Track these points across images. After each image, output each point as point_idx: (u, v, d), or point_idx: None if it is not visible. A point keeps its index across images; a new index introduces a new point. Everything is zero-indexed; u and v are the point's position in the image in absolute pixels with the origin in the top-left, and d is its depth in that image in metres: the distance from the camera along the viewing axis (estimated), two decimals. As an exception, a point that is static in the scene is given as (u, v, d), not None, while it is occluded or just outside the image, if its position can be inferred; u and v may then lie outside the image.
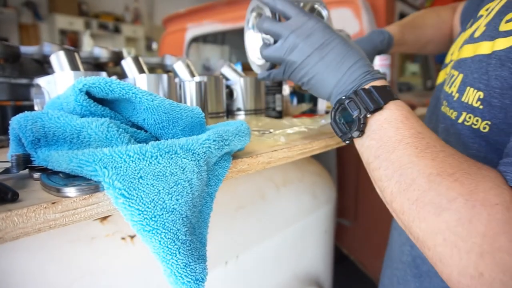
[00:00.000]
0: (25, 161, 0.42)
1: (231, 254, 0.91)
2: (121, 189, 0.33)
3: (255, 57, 0.73)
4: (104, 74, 0.70)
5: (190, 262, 0.37)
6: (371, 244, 2.05)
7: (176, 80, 0.95)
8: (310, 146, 0.66)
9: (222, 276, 0.89)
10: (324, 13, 0.68)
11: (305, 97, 1.48)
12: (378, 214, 1.95)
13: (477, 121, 0.53)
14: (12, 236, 0.29)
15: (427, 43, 1.08)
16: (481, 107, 0.52)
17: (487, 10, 0.61)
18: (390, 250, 0.94)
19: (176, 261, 0.36)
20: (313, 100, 1.41)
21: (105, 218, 0.72)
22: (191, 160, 0.39)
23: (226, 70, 1.12)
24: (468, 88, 0.55)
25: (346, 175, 2.03)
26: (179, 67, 0.99)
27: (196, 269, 0.38)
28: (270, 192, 1.09)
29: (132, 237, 0.73)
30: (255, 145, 0.63)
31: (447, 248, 0.39)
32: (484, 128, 0.52)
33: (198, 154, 0.41)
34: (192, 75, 0.98)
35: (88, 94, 0.44)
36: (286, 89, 1.29)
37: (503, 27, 0.51)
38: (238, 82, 1.06)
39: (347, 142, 0.55)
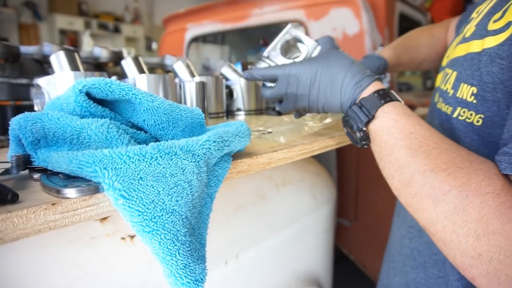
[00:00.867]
0: (25, 162, 0.42)
1: (231, 254, 0.91)
2: (121, 190, 0.33)
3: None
4: (105, 74, 0.70)
5: (189, 263, 0.37)
6: (371, 244, 2.06)
7: (176, 80, 0.95)
8: (310, 147, 0.66)
9: (222, 276, 0.89)
10: (302, 39, 0.73)
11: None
12: (378, 214, 1.95)
13: (471, 115, 0.57)
14: (12, 237, 0.29)
15: (422, 62, 1.10)
16: (474, 101, 0.56)
17: (477, 12, 0.65)
18: (390, 244, 0.96)
19: (176, 262, 0.36)
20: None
21: (105, 218, 0.72)
22: (191, 161, 0.39)
23: (226, 70, 1.12)
24: (462, 84, 0.59)
25: (346, 175, 2.03)
26: (179, 67, 0.99)
27: (196, 270, 0.38)
28: (270, 192, 1.09)
29: (132, 237, 0.73)
30: (255, 145, 0.63)
31: (447, 234, 0.44)
32: (478, 121, 0.56)
33: (198, 155, 0.41)
34: (192, 75, 0.98)
35: (88, 95, 0.44)
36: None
37: (491, 26, 0.55)
38: (238, 82, 1.06)
39: (365, 147, 0.61)
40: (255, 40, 2.84)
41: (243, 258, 0.95)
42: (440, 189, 0.46)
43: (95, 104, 0.44)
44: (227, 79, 1.10)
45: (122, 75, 0.84)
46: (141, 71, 0.83)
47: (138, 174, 0.35)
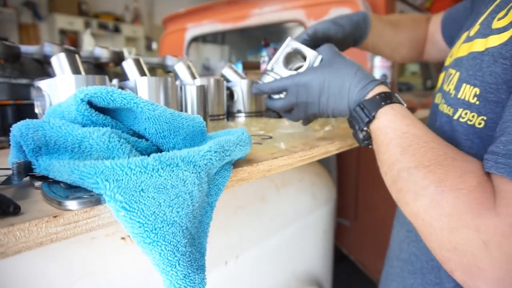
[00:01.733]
0: (26, 169, 0.42)
1: (231, 254, 0.92)
2: (122, 202, 0.33)
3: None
4: (105, 78, 0.70)
5: (189, 273, 0.38)
6: (371, 244, 2.06)
7: (177, 82, 0.95)
8: (310, 153, 0.67)
9: (222, 276, 0.90)
10: (303, 51, 0.76)
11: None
12: (378, 214, 1.95)
13: (473, 116, 0.57)
14: (14, 250, 0.30)
15: (401, 44, 1.03)
16: (477, 103, 0.55)
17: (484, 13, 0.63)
18: (390, 248, 0.95)
19: (176, 272, 0.37)
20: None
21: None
22: (192, 173, 0.40)
23: (227, 72, 1.12)
24: (464, 85, 0.59)
25: (346, 175, 2.03)
26: (180, 69, 0.99)
27: (196, 280, 0.38)
28: (270, 192, 1.09)
29: (132, 238, 0.73)
30: (255, 151, 0.63)
31: (426, 227, 0.47)
32: (480, 123, 0.56)
33: (200, 166, 0.41)
34: (193, 77, 0.98)
35: (90, 103, 0.44)
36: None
37: (495, 24, 0.55)
38: (238, 84, 1.06)
39: (369, 146, 0.65)
40: (255, 40, 2.84)
41: (243, 258, 0.95)
42: (420, 185, 0.49)
43: (97, 112, 0.44)
44: (227, 81, 1.10)
45: (122, 76, 0.84)
46: (142, 73, 0.83)
47: (139, 186, 0.35)
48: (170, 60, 1.21)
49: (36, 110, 0.71)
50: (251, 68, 1.64)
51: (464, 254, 0.42)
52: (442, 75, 0.78)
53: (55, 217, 0.32)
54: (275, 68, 0.75)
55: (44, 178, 0.42)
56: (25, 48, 0.90)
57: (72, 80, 0.66)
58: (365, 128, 0.62)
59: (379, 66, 1.72)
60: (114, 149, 0.39)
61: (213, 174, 0.47)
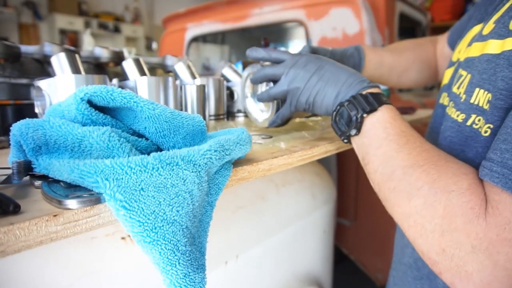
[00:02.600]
0: (26, 168, 0.42)
1: (231, 254, 0.91)
2: (122, 201, 0.33)
3: (258, 115, 0.84)
4: (105, 77, 0.70)
5: (189, 272, 0.38)
6: (371, 244, 2.06)
7: (177, 82, 0.96)
8: (310, 152, 0.66)
9: (222, 276, 0.90)
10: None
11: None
12: (378, 214, 1.95)
13: (484, 124, 0.53)
14: (14, 249, 0.30)
15: (408, 68, 1.00)
16: (489, 109, 0.52)
17: (496, 9, 0.60)
18: (394, 251, 0.94)
19: (176, 271, 0.37)
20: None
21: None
22: (192, 172, 0.40)
23: (227, 71, 1.12)
24: (478, 89, 0.55)
25: (346, 175, 2.03)
26: (180, 69, 0.99)
27: (196, 279, 0.38)
28: (270, 192, 1.09)
29: (132, 238, 0.73)
30: (255, 151, 0.63)
31: (417, 228, 0.47)
32: (486, 131, 0.53)
33: (199, 165, 0.41)
34: (193, 76, 0.98)
35: (90, 102, 0.44)
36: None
37: None
38: (238, 84, 1.06)
39: (345, 141, 0.63)
40: (255, 40, 2.84)
41: (243, 258, 0.95)
42: (414, 185, 0.48)
43: (97, 111, 0.44)
44: (228, 80, 1.10)
45: (123, 76, 0.84)
46: (142, 73, 0.83)
47: (139, 185, 0.35)
48: (170, 60, 1.21)
49: (36, 110, 0.71)
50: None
51: (452, 258, 0.43)
52: (449, 72, 0.75)
53: (55, 216, 0.32)
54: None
55: (44, 178, 0.42)
56: (25, 48, 0.90)
57: (72, 79, 0.66)
58: (364, 115, 0.58)
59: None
60: (114, 148, 0.39)
61: (213, 173, 0.47)
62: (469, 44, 0.65)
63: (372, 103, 0.58)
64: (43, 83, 0.68)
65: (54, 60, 0.74)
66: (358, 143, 0.61)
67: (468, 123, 0.57)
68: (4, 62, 0.81)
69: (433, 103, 2.26)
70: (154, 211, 0.35)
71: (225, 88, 1.00)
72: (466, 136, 0.58)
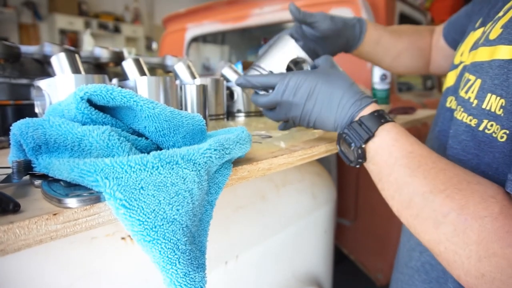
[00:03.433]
0: (26, 168, 0.42)
1: (231, 254, 0.91)
2: (122, 200, 0.33)
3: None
4: (105, 77, 0.70)
5: (189, 271, 0.38)
6: (371, 244, 2.06)
7: (177, 82, 0.96)
8: (310, 152, 0.66)
9: (222, 276, 0.90)
10: (307, 60, 0.76)
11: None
12: (378, 214, 1.95)
13: (497, 129, 0.53)
14: (13, 248, 0.30)
15: (402, 51, 1.00)
16: (502, 115, 0.52)
17: (504, 11, 0.59)
18: (399, 254, 0.94)
19: (176, 270, 0.37)
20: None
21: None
22: (192, 170, 0.40)
23: (227, 71, 1.12)
24: (490, 95, 0.54)
25: (346, 175, 2.03)
26: (180, 69, 0.99)
27: (196, 278, 0.38)
28: (270, 192, 1.09)
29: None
30: (255, 150, 0.63)
31: (449, 255, 0.46)
32: (502, 137, 0.52)
33: (199, 164, 0.41)
34: (193, 76, 0.98)
35: (89, 101, 0.44)
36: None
37: None
38: (238, 84, 1.06)
39: (357, 166, 0.61)
40: (255, 40, 2.84)
41: (243, 258, 0.95)
42: (440, 211, 0.47)
43: (96, 111, 0.44)
44: (227, 80, 1.10)
45: (122, 76, 0.84)
46: (142, 73, 0.83)
47: (139, 184, 0.35)
48: (170, 60, 1.21)
49: (36, 110, 0.71)
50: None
51: (493, 281, 0.42)
52: (453, 75, 0.75)
53: (54, 214, 0.32)
54: (264, 63, 0.73)
55: (44, 177, 0.42)
56: (25, 48, 0.90)
57: (72, 79, 0.66)
58: (363, 145, 0.57)
59: (379, 67, 1.72)
60: (114, 147, 0.39)
61: (213, 173, 0.47)
62: (474, 48, 0.64)
63: (367, 130, 0.57)
64: (43, 83, 0.68)
65: (54, 60, 0.74)
66: (369, 169, 0.60)
67: (481, 128, 0.56)
68: (4, 62, 0.81)
69: (433, 103, 2.26)
70: (154, 210, 0.35)
71: (225, 88, 1.00)
72: (479, 141, 0.57)
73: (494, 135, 0.54)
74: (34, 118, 0.43)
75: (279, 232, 1.08)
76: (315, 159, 0.69)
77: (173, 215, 0.37)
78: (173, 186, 0.37)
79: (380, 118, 0.58)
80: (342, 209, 2.07)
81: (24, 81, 0.83)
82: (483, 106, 0.55)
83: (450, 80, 0.76)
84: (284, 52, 0.74)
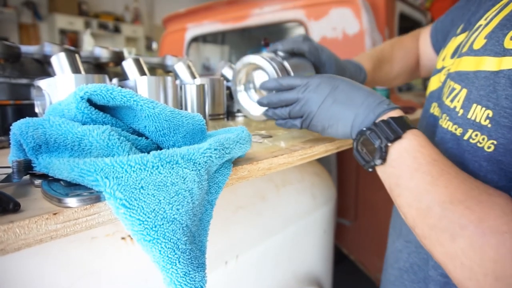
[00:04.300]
0: (26, 167, 0.42)
1: (231, 254, 0.91)
2: (122, 199, 0.33)
3: (253, 109, 0.82)
4: (105, 77, 0.70)
5: (189, 271, 0.38)
6: (371, 244, 2.06)
7: (177, 82, 0.96)
8: (310, 151, 0.66)
9: (222, 276, 0.90)
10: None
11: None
12: (378, 214, 1.95)
13: (483, 139, 0.53)
14: (13, 247, 0.30)
15: (396, 78, 1.06)
16: (489, 125, 0.52)
17: (485, 19, 0.61)
18: (386, 255, 0.95)
19: (176, 270, 0.37)
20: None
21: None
22: (192, 170, 0.40)
23: (227, 71, 1.12)
24: (475, 105, 0.55)
25: (346, 175, 2.03)
26: (180, 69, 0.99)
27: (196, 278, 0.38)
28: (270, 192, 1.09)
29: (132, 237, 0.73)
30: (255, 150, 0.63)
31: (465, 271, 0.43)
32: (489, 147, 0.52)
33: (199, 164, 0.41)
34: (193, 76, 0.98)
35: (90, 101, 0.44)
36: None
37: (510, 44, 0.51)
38: (238, 84, 1.06)
39: (370, 170, 0.58)
40: (255, 40, 2.84)
41: (243, 258, 0.95)
42: (457, 223, 0.44)
43: (97, 110, 0.44)
44: (227, 80, 1.10)
45: (123, 76, 0.84)
46: (142, 72, 0.83)
47: (139, 183, 0.35)
48: (170, 60, 1.21)
49: (36, 110, 0.71)
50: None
51: None
52: (435, 80, 0.76)
53: (54, 214, 0.32)
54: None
55: (44, 176, 0.42)
56: (25, 48, 0.90)
57: (72, 79, 0.66)
58: (389, 144, 0.54)
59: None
60: (114, 147, 0.39)
61: (213, 172, 0.47)
62: (458, 55, 0.65)
63: (395, 129, 0.54)
64: (43, 83, 0.68)
65: (54, 60, 0.74)
66: (386, 173, 0.56)
67: (465, 137, 0.57)
68: (4, 62, 0.81)
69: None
70: (154, 210, 0.35)
71: (225, 88, 1.00)
72: (464, 150, 0.57)
73: (479, 144, 0.54)
74: (34, 118, 0.43)
75: (279, 232, 1.08)
76: (315, 159, 0.69)
77: (173, 215, 0.37)
78: (173, 185, 0.37)
79: (408, 123, 0.56)
80: (342, 209, 2.07)
81: (24, 81, 0.83)
82: (468, 116, 0.56)
83: (433, 84, 0.77)
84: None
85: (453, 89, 0.62)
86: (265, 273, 1.06)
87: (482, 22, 0.61)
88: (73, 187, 0.38)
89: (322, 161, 1.53)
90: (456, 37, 0.71)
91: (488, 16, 0.60)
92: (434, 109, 0.72)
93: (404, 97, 2.18)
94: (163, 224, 0.36)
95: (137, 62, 0.84)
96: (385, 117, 0.57)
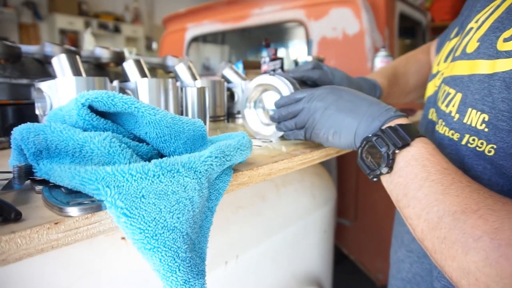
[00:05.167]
0: (27, 173, 0.42)
1: (231, 254, 0.92)
2: (123, 208, 0.33)
3: (260, 128, 0.83)
4: (106, 79, 0.70)
5: (189, 279, 0.38)
6: (371, 244, 2.06)
7: (178, 83, 0.96)
8: (310, 156, 0.66)
9: (222, 276, 0.90)
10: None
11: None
12: (378, 214, 1.96)
13: (481, 144, 0.52)
14: (15, 257, 0.30)
15: (411, 92, 1.05)
16: (486, 129, 0.51)
17: (476, 21, 0.60)
18: (390, 265, 0.94)
19: (176, 278, 0.37)
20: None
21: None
22: (193, 178, 0.40)
23: (228, 72, 1.12)
24: (470, 109, 0.54)
25: (346, 175, 2.04)
26: (181, 70, 0.99)
27: (196, 285, 0.38)
28: (270, 192, 1.09)
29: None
30: (256, 155, 0.63)
31: (480, 287, 0.39)
32: (489, 151, 0.51)
33: (200, 172, 0.41)
34: (194, 77, 0.98)
35: (91, 107, 0.44)
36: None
37: (502, 46, 0.50)
38: (239, 85, 1.06)
39: (374, 179, 0.56)
40: (255, 40, 2.84)
41: (243, 258, 0.95)
42: (470, 235, 0.40)
43: (98, 117, 0.45)
44: (228, 82, 1.10)
45: (123, 76, 0.84)
46: (143, 74, 0.83)
47: (140, 192, 0.35)
48: (170, 61, 1.21)
49: (37, 111, 0.71)
50: (251, 68, 1.64)
51: None
52: (432, 85, 0.75)
53: (56, 223, 0.32)
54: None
55: (44, 182, 0.42)
56: (26, 48, 0.90)
57: (72, 81, 0.66)
58: (396, 151, 0.51)
59: (379, 67, 1.72)
60: (115, 154, 0.39)
61: (213, 179, 0.47)
62: (452, 59, 0.64)
63: (403, 136, 0.52)
64: (43, 85, 0.68)
65: (55, 62, 0.74)
66: (392, 182, 0.53)
67: (463, 142, 0.56)
68: (5, 62, 0.81)
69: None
70: (154, 218, 0.35)
71: (225, 89, 1.00)
72: (463, 155, 0.56)
73: (478, 149, 0.52)
74: (36, 123, 0.43)
75: (279, 232, 1.08)
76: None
77: (174, 223, 0.37)
78: (174, 194, 0.37)
79: (417, 130, 0.54)
80: (342, 209, 2.08)
81: (24, 81, 0.83)
82: (464, 121, 0.55)
83: (430, 90, 0.77)
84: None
85: (448, 93, 0.61)
86: (265, 273, 1.06)
87: (473, 25, 0.60)
88: (74, 194, 0.38)
89: (322, 162, 1.53)
90: (450, 41, 0.71)
91: (478, 18, 0.60)
92: (432, 115, 0.72)
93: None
94: (163, 232, 0.36)
95: (137, 63, 0.84)
96: (392, 124, 0.55)
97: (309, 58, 1.73)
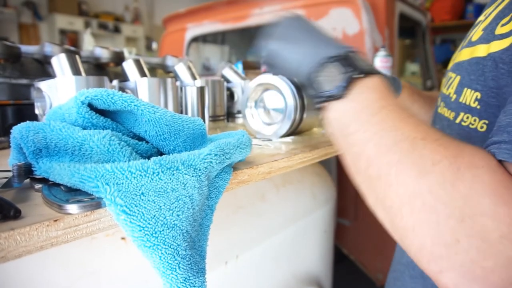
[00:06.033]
0: (26, 171, 0.42)
1: (231, 254, 0.91)
2: (123, 206, 0.33)
3: (261, 128, 0.84)
4: (106, 79, 0.70)
5: (189, 276, 0.38)
6: (371, 244, 2.06)
7: (177, 83, 0.96)
8: (310, 155, 0.66)
9: (222, 276, 0.90)
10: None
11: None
12: (378, 214, 1.95)
13: (474, 120, 0.54)
14: (14, 254, 0.30)
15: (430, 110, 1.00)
16: (478, 107, 0.53)
17: (485, 15, 0.62)
18: (395, 252, 0.95)
19: (176, 275, 0.37)
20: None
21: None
22: (193, 176, 0.40)
23: (228, 72, 1.12)
24: (466, 89, 0.56)
25: (346, 175, 2.02)
26: (181, 69, 0.99)
27: (196, 283, 0.38)
28: (270, 192, 1.09)
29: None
30: (256, 154, 0.63)
31: (425, 213, 0.37)
32: (482, 127, 0.53)
33: (200, 170, 0.41)
34: (194, 77, 0.98)
35: (90, 105, 0.44)
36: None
37: (499, 30, 0.53)
38: (239, 85, 1.06)
39: (319, 105, 0.51)
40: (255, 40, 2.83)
41: (243, 258, 0.95)
42: (429, 158, 0.38)
43: (97, 115, 0.45)
44: (228, 81, 1.10)
45: (123, 76, 0.84)
46: (142, 73, 0.83)
47: (139, 190, 0.35)
48: (170, 61, 1.22)
49: (37, 111, 0.71)
50: (251, 68, 1.64)
51: (468, 250, 0.34)
52: (443, 80, 0.77)
53: (55, 221, 0.32)
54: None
55: (44, 180, 0.42)
56: (26, 48, 0.90)
57: (72, 81, 0.66)
58: (360, 76, 0.47)
59: (379, 67, 1.72)
60: (115, 152, 0.39)
61: (213, 177, 0.47)
62: (459, 49, 0.67)
63: (366, 66, 0.49)
64: (43, 85, 0.68)
65: (54, 61, 0.74)
66: (340, 110, 0.48)
67: (457, 120, 0.58)
68: (5, 62, 0.81)
69: (433, 103, 2.26)
70: (154, 216, 0.35)
71: (225, 89, 1.01)
72: (457, 133, 0.58)
73: (471, 126, 0.54)
74: (35, 122, 0.43)
75: (279, 232, 1.08)
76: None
77: (174, 221, 0.37)
78: (173, 191, 0.37)
79: (377, 69, 0.51)
80: (342, 209, 2.07)
81: (24, 81, 0.83)
82: (460, 100, 0.57)
83: (442, 84, 0.78)
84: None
85: (450, 77, 0.64)
86: (265, 273, 1.06)
87: (481, 18, 0.63)
88: (73, 192, 0.38)
89: (322, 161, 1.53)
90: (465, 39, 0.73)
91: (487, 12, 0.62)
92: (438, 102, 0.74)
93: (404, 97, 2.18)
94: (163, 230, 0.36)
95: (137, 63, 0.84)
96: (353, 54, 0.51)
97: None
